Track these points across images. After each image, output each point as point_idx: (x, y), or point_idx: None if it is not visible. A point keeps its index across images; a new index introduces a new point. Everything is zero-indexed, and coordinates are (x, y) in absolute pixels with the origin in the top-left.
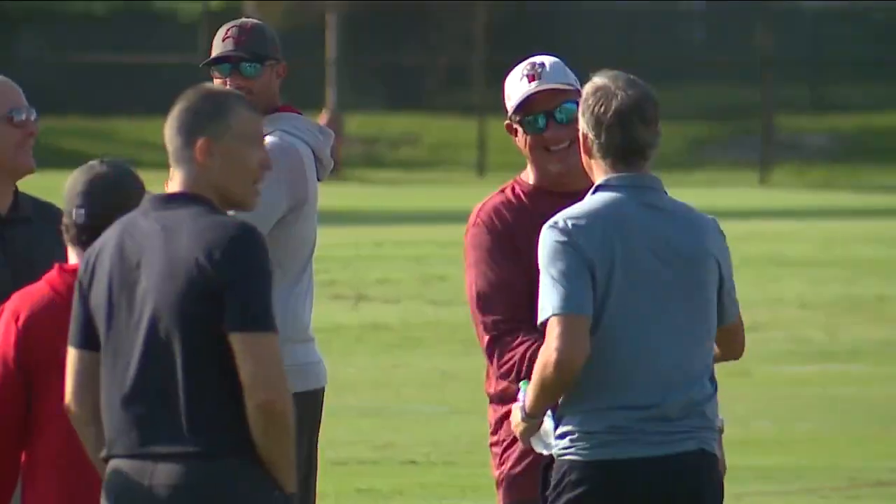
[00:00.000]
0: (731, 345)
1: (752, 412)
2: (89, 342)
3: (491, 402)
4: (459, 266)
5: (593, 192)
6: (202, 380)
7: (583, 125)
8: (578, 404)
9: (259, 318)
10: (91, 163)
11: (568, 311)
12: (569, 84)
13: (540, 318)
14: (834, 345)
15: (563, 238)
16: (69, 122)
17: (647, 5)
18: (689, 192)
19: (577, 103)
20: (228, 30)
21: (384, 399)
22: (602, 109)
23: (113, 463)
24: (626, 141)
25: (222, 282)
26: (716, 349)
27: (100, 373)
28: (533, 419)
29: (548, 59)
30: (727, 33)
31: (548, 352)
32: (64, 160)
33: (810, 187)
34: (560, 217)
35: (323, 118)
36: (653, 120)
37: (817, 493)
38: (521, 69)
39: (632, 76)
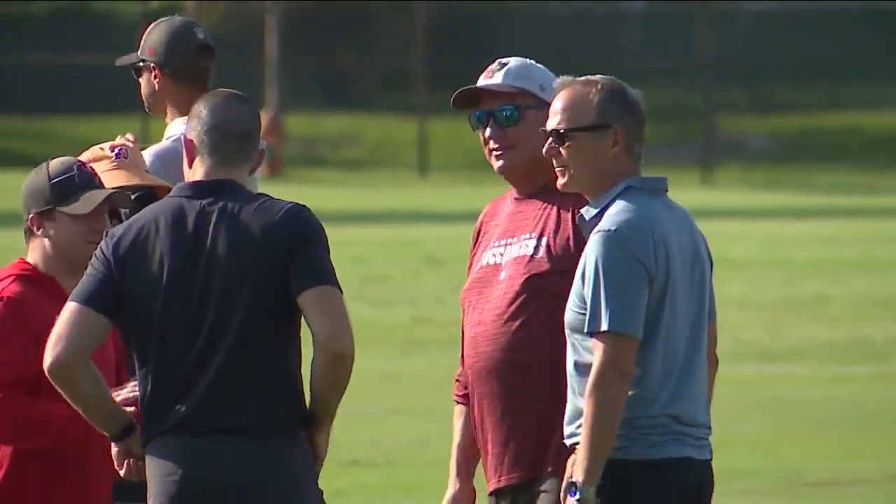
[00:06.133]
0: (713, 348)
1: None
2: (108, 308)
3: None
4: (400, 266)
5: (623, 192)
6: (268, 355)
7: (620, 123)
8: (628, 411)
9: (327, 275)
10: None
11: (630, 332)
12: (517, 88)
13: (591, 326)
14: (775, 346)
15: (628, 250)
16: (6, 122)
17: (586, 7)
18: None
19: (519, 107)
20: None
21: None
22: (638, 110)
23: (162, 440)
24: (643, 141)
25: (292, 249)
26: None
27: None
28: (593, 483)
29: (514, 61)
30: (666, 36)
31: (608, 372)
32: (1, 160)
33: (752, 188)
34: (615, 224)
35: (263, 118)
36: None
37: (757, 494)
38: (488, 67)
39: None
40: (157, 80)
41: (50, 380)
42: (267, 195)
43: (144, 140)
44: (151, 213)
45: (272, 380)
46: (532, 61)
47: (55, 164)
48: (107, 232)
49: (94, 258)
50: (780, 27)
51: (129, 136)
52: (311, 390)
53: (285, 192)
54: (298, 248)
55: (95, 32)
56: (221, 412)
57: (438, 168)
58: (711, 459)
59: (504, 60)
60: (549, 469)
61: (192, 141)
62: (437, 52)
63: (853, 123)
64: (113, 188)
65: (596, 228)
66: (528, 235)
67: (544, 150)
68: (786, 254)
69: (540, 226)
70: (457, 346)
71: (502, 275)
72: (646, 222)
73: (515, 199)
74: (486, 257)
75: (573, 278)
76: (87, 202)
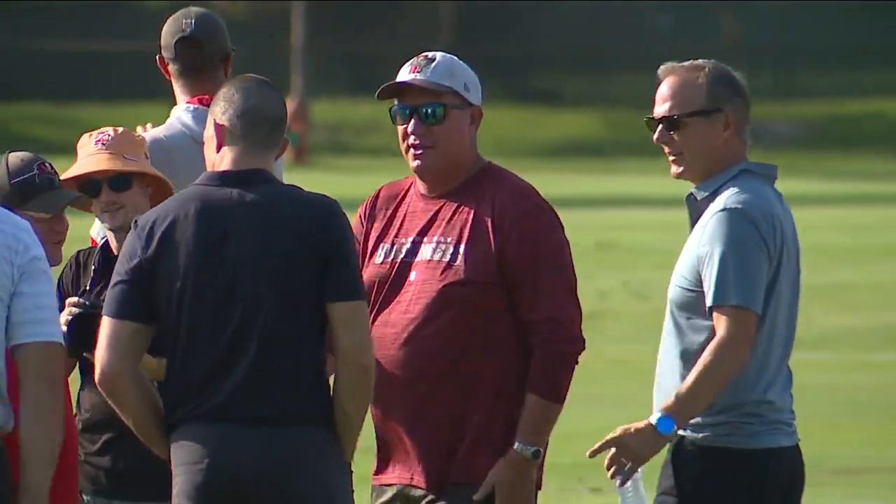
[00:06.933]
0: None
1: None
2: (142, 315)
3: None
4: None
5: (740, 175)
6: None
7: (731, 106)
8: (733, 396)
9: (357, 287)
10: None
11: (755, 308)
12: (444, 86)
13: (718, 300)
14: (799, 332)
15: (755, 229)
16: (36, 109)
17: None
18: (658, 180)
19: (446, 106)
20: None
21: None
22: (745, 93)
23: (187, 428)
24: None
25: (328, 251)
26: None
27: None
28: (682, 426)
29: (441, 57)
30: (694, 21)
31: (734, 343)
32: (29, 147)
33: None
34: (741, 203)
35: (289, 105)
36: None
37: None
38: (413, 59)
39: None
40: (165, 69)
41: (103, 395)
42: (296, 186)
43: None
44: (180, 201)
45: (299, 370)
46: (457, 59)
47: (14, 161)
48: (136, 221)
49: (122, 256)
50: (805, 14)
51: (149, 126)
52: (335, 409)
53: (310, 178)
54: (328, 248)
55: (124, 20)
56: (248, 402)
57: None
58: (799, 442)
59: (431, 55)
60: (452, 481)
61: (223, 126)
62: (463, 37)
63: (877, 110)
64: (75, 193)
65: (719, 207)
66: (443, 240)
67: (655, 137)
68: (809, 240)
69: (457, 231)
70: None
71: (413, 276)
72: (767, 206)
73: (423, 195)
74: (392, 252)
75: (491, 291)
76: (49, 206)
